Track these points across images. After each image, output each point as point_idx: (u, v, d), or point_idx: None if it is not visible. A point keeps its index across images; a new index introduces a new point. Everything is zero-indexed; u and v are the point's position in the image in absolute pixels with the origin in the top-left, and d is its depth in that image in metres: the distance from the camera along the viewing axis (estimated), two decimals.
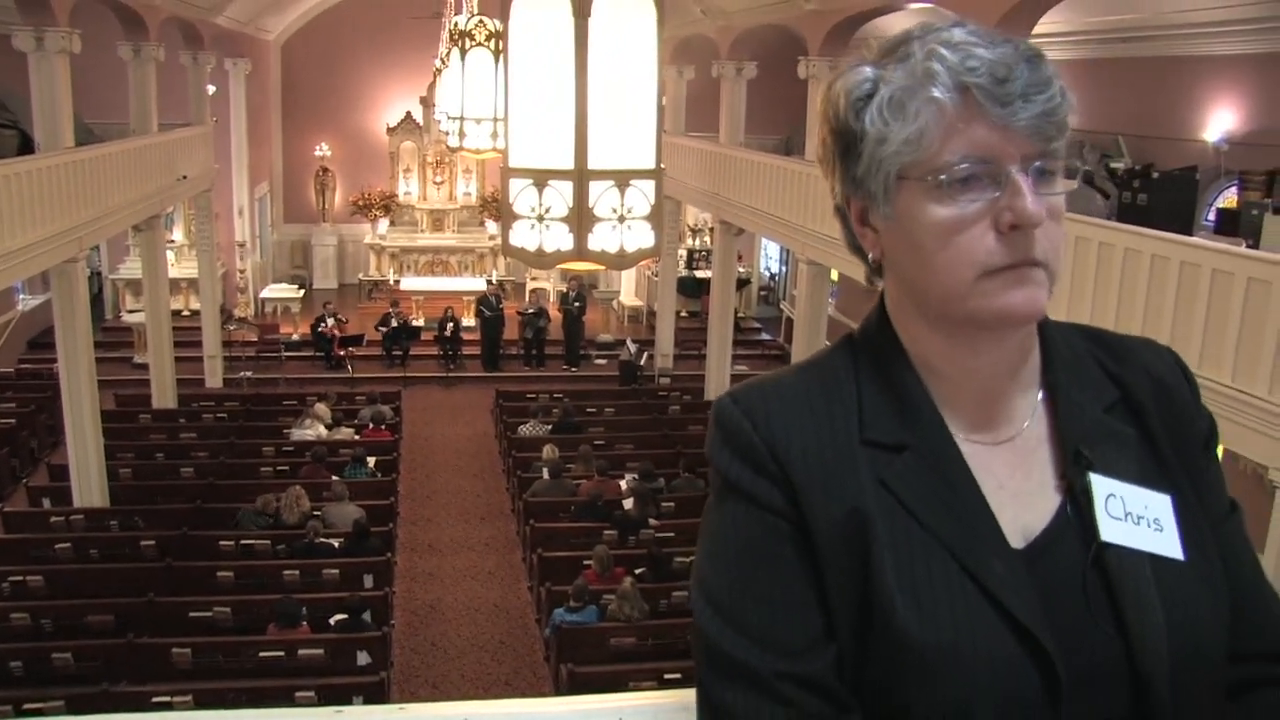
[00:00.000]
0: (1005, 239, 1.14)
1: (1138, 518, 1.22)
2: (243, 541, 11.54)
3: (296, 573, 10.79)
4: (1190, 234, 10.48)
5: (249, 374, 19.47)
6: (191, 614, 9.99)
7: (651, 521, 12.24)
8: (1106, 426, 1.28)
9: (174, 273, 20.06)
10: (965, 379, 1.25)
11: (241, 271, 22.72)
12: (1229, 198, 12.18)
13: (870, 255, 1.28)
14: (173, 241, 21.38)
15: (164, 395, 16.64)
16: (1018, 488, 1.24)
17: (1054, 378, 1.29)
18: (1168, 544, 1.22)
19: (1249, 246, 8.79)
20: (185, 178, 16.85)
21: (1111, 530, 1.20)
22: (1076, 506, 1.23)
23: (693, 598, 1.27)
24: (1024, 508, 1.23)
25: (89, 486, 12.72)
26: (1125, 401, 1.30)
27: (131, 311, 20.71)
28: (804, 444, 1.22)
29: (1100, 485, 1.23)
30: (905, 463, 1.21)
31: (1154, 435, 1.29)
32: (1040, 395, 1.29)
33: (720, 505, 1.27)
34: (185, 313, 21.28)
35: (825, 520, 1.20)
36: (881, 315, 1.31)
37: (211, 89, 19.67)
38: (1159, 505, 1.24)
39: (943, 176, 1.14)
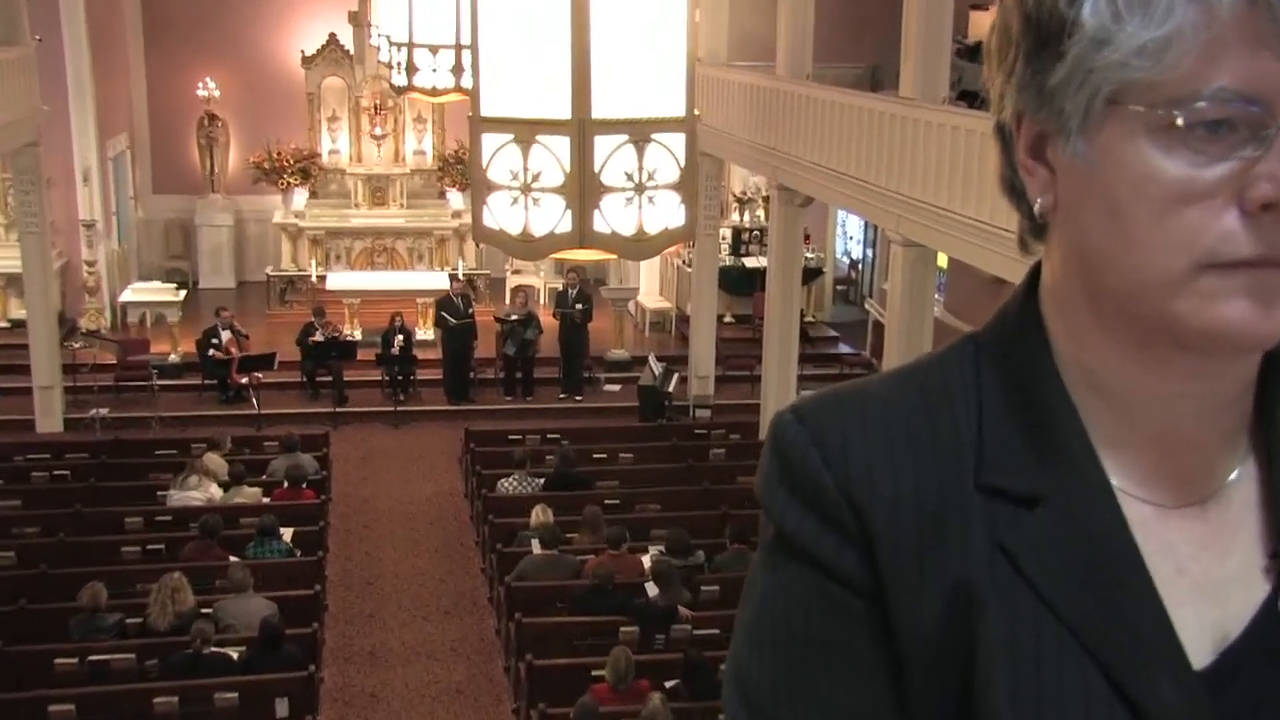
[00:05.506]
0: (1251, 222, 1.01)
1: None
2: (91, 658, 11.16)
3: (175, 699, 10.48)
4: None
5: (104, 412, 19.30)
6: None
7: (686, 613, 12.22)
8: None
9: None
10: (1145, 408, 1.15)
11: (90, 264, 22.28)
12: None
13: (1036, 204, 1.15)
14: None
15: None
16: (1205, 574, 1.15)
17: (1274, 419, 1.19)
18: None
19: None
20: None
21: None
22: None
23: (725, 695, 1.23)
24: (1212, 604, 1.15)
25: None
26: None
27: None
28: (895, 487, 1.15)
29: None
30: (1039, 523, 1.12)
31: None
32: (1250, 442, 1.20)
33: (770, 566, 1.22)
34: (3, 324, 21.35)
35: (915, 600, 1.14)
36: (1028, 302, 1.22)
37: None
38: None
39: (1178, 112, 1.00)
